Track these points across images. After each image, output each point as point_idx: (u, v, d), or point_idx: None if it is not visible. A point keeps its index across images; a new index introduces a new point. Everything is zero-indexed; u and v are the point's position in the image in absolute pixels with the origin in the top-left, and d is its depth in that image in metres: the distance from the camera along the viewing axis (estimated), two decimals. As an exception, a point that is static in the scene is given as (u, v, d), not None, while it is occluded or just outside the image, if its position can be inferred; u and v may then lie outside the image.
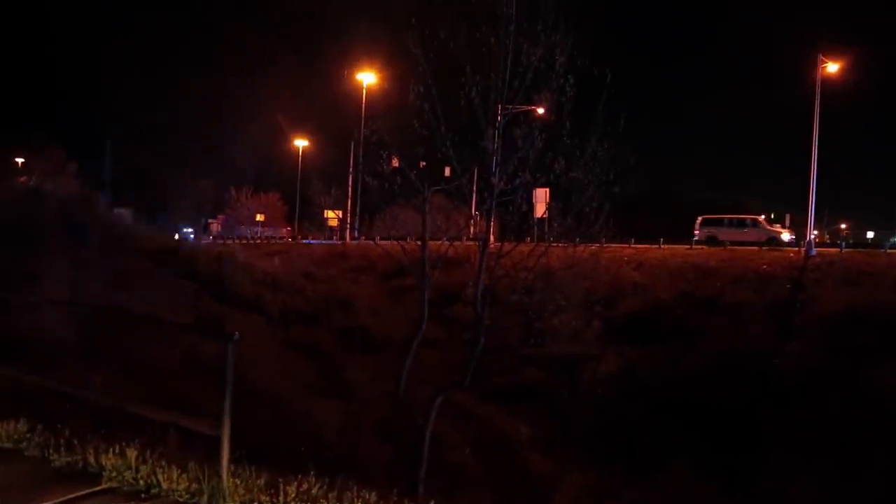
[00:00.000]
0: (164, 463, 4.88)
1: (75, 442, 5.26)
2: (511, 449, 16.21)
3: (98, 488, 4.66)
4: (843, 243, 35.55)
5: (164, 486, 4.60)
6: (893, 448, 11.02)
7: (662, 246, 32.83)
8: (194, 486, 4.60)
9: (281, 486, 4.71)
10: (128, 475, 4.76)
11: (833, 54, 32.72)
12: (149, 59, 37.93)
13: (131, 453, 4.95)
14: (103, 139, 40.88)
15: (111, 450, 5.03)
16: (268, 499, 4.58)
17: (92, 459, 4.99)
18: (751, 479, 11.32)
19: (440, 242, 11.32)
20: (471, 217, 12.23)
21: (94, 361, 12.07)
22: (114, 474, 4.77)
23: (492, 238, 11.54)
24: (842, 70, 32.78)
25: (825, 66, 32.18)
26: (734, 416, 15.77)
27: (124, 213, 43.74)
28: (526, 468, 15.05)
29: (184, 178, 42.66)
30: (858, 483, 10.57)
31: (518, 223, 10.94)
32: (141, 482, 4.70)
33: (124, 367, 12.23)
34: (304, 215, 56.97)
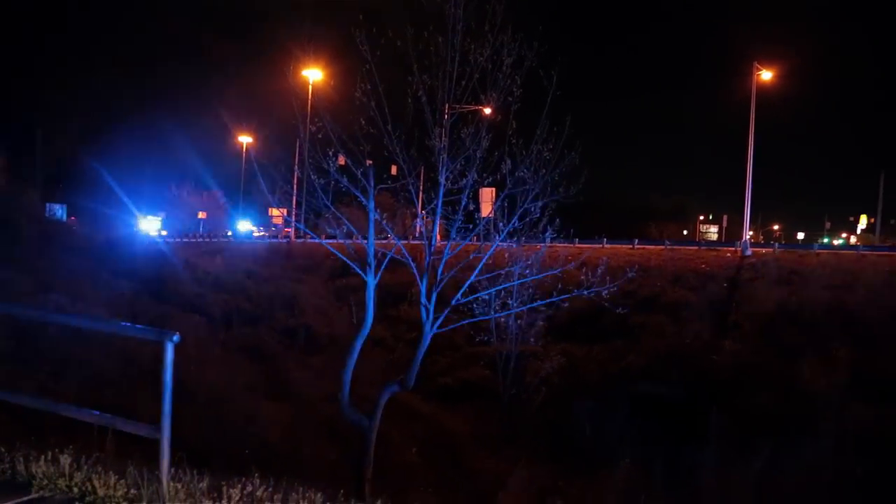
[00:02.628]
0: (100, 469, 4.71)
1: (2, 450, 5.01)
2: (457, 448, 16.28)
3: (27, 498, 4.44)
4: (777, 244, 36.98)
5: (101, 492, 4.43)
6: (820, 437, 11.54)
7: (605, 246, 33.53)
8: (133, 491, 4.44)
9: (224, 490, 4.61)
10: (60, 483, 4.56)
11: (769, 62, 34.09)
12: (85, 53, 36.55)
13: (65, 460, 4.74)
14: (35, 133, 39.13)
15: (42, 457, 4.80)
16: (210, 503, 4.47)
17: (21, 468, 4.75)
18: (691, 472, 11.65)
19: (386, 241, 11.27)
20: (417, 216, 12.22)
21: (24, 365, 11.57)
22: (45, 483, 4.55)
23: (438, 237, 11.56)
24: (776, 77, 34.17)
25: (760, 74, 33.46)
26: (675, 411, 16.23)
27: (58, 210, 42.07)
28: (472, 466, 15.14)
29: (121, 175, 41.28)
30: (790, 472, 11.01)
31: (464, 222, 10.98)
32: (75, 489, 4.51)
33: (57, 371, 11.77)
34: (247, 213, 56.01)
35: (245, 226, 55.80)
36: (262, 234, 53.54)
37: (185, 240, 45.47)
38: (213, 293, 25.32)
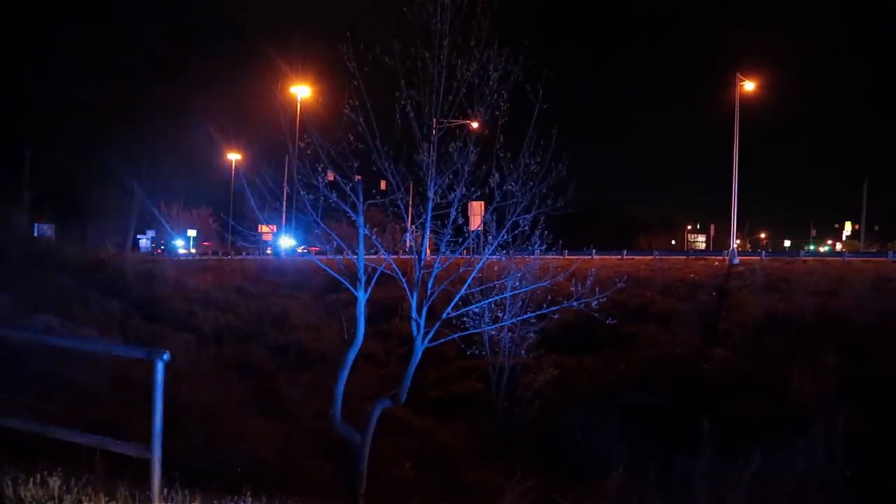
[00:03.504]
0: (90, 490, 4.69)
1: (-9, 472, 4.98)
2: (451, 461, 16.23)
3: (16, 522, 4.43)
4: (764, 252, 37.29)
5: (91, 514, 4.42)
6: (810, 442, 11.61)
7: (594, 257, 33.66)
8: (123, 512, 4.44)
9: (216, 509, 4.61)
10: (50, 505, 4.54)
11: (753, 71, 34.57)
12: (72, 72, 36.40)
13: (54, 483, 4.71)
14: (22, 152, 38.88)
15: (31, 479, 4.78)
16: (202, 522, 4.47)
17: (9, 491, 4.72)
18: (684, 480, 11.68)
19: (376, 257, 11.31)
20: (406, 231, 12.27)
21: (12, 386, 11.46)
22: (34, 505, 4.54)
23: (428, 251, 11.60)
24: (759, 87, 34.62)
25: (743, 84, 33.88)
26: (667, 420, 16.27)
27: (46, 230, 41.79)
28: (466, 479, 15.08)
29: (110, 193, 41.06)
30: (781, 477, 11.06)
31: (453, 236, 11.04)
32: (65, 512, 4.50)
33: (47, 392, 11.67)
34: (237, 230, 55.61)
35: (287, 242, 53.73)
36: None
37: (175, 257, 45.26)
38: (203, 310, 25.23)
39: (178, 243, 57.11)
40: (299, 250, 52.06)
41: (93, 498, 4.55)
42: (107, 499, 4.54)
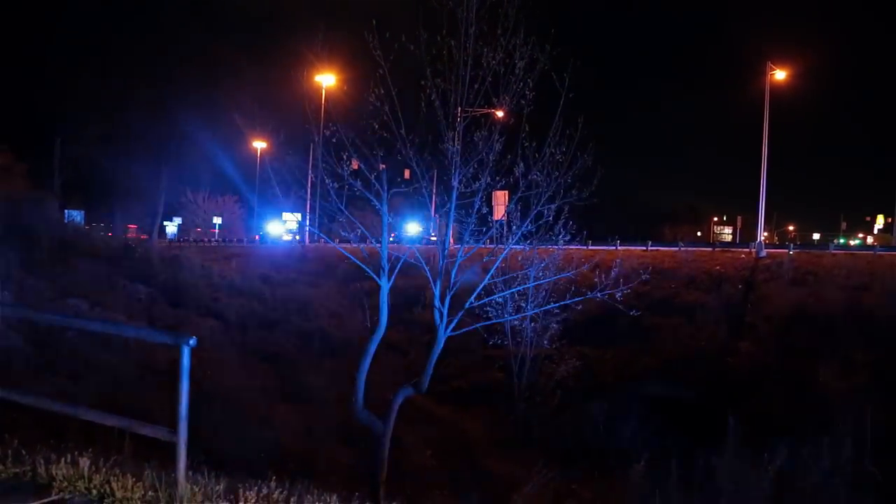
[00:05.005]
0: (118, 471, 4.77)
1: (24, 452, 5.09)
2: (472, 450, 16.28)
3: (47, 500, 4.51)
4: (792, 245, 36.68)
5: (119, 494, 4.49)
6: (838, 439, 11.43)
7: (618, 248, 33.40)
8: (150, 494, 4.51)
9: (240, 492, 4.66)
10: (80, 485, 4.63)
11: (783, 61, 33.88)
12: (100, 59, 36.88)
13: (84, 463, 4.81)
14: (53, 140, 39.55)
15: (62, 459, 4.88)
16: (226, 505, 4.52)
17: (42, 470, 4.83)
18: (707, 474, 11.58)
19: (401, 245, 11.32)
20: (430, 220, 12.25)
21: (44, 369, 11.73)
22: (65, 485, 4.62)
23: (451, 240, 11.58)
24: (790, 77, 33.94)
25: (773, 74, 33.24)
26: (690, 413, 16.15)
27: (76, 216, 42.56)
28: (487, 469, 15.13)
29: (138, 180, 41.64)
30: (808, 475, 10.92)
31: (477, 225, 11.00)
32: (94, 492, 4.58)
33: (77, 375, 11.91)
34: (262, 217, 56.13)
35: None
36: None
37: (200, 244, 45.70)
38: (228, 297, 25.53)
39: (276, 229, 53.85)
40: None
41: (121, 478, 4.63)
42: (134, 479, 4.62)
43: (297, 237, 48.01)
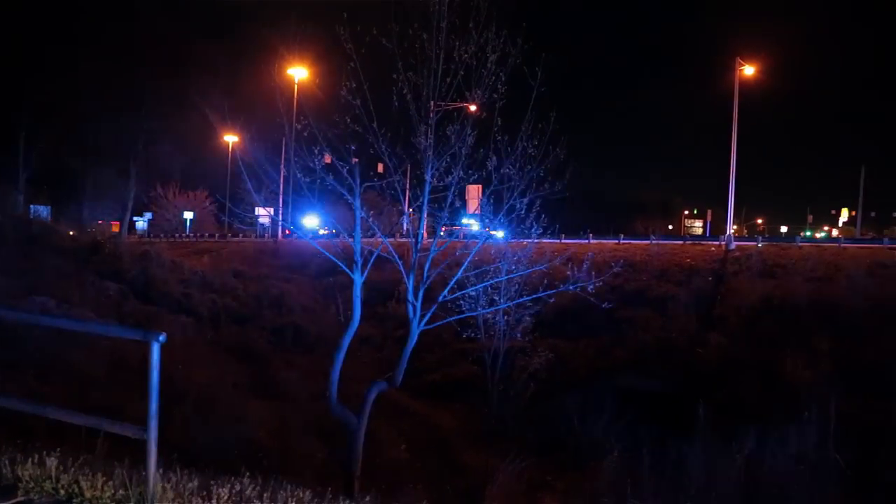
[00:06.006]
0: (87, 471, 4.71)
1: (-12, 453, 5.00)
2: (446, 443, 16.36)
3: (13, 501, 4.43)
4: (760, 237, 37.33)
5: (88, 494, 4.43)
6: (803, 427, 11.70)
7: (591, 242, 33.71)
8: (121, 492, 4.45)
9: (213, 489, 4.63)
10: (47, 485, 4.55)
11: (752, 56, 34.34)
12: (66, 52, 36.03)
13: (51, 462, 4.73)
14: (17, 134, 38.65)
15: (29, 460, 4.80)
16: (200, 502, 4.49)
17: (7, 471, 4.74)
18: (678, 463, 11.77)
19: (373, 239, 11.30)
20: (403, 214, 12.25)
21: (10, 368, 11.49)
22: (31, 485, 4.54)
23: (425, 234, 11.59)
24: (759, 72, 34.42)
25: (742, 69, 33.70)
26: (662, 404, 16.38)
27: (42, 211, 41.67)
28: (461, 462, 15.22)
29: (106, 175, 40.88)
30: (774, 461, 11.16)
31: (450, 219, 11.03)
32: (62, 492, 4.51)
33: (44, 374, 11.71)
34: (234, 213, 55.32)
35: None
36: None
37: (171, 239, 44.85)
38: (200, 293, 25.25)
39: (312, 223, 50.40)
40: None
41: (90, 478, 4.57)
42: (104, 479, 4.56)
43: (333, 231, 46.75)
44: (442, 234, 11.12)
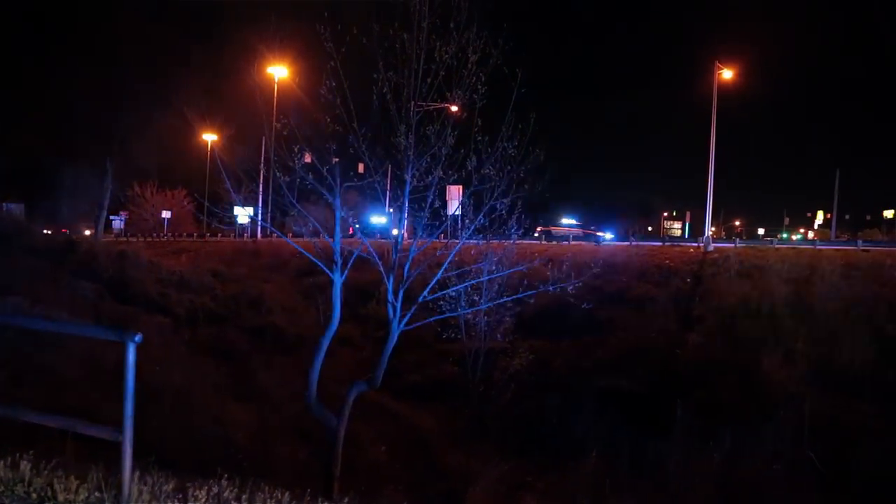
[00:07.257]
0: (61, 473, 4.63)
1: (-41, 456, 4.89)
2: (427, 445, 16.31)
3: (-18, 505, 4.36)
4: (738, 239, 37.75)
5: (61, 497, 4.36)
6: (779, 426, 11.88)
7: (571, 243, 33.88)
8: (95, 494, 4.39)
9: (190, 491, 4.58)
10: (19, 489, 4.47)
11: (730, 59, 34.73)
12: (41, 48, 35.38)
13: (25, 465, 4.65)
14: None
15: (1, 463, 4.71)
16: (176, 504, 4.44)
17: (-21, 473, 4.65)
18: (656, 463, 11.89)
19: (353, 239, 11.25)
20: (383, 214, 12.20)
21: (-19, 369, 11.26)
22: (2, 489, 4.46)
23: (405, 235, 11.57)
24: (738, 75, 34.81)
25: (721, 72, 34.07)
26: (641, 404, 16.49)
27: (14, 208, 40.97)
28: (442, 463, 15.18)
29: (82, 173, 40.23)
30: (750, 460, 11.31)
31: (430, 220, 11.01)
32: (34, 495, 4.43)
33: (18, 376, 11.49)
34: (212, 212, 54.79)
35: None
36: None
37: (148, 238, 44.29)
38: (178, 293, 24.98)
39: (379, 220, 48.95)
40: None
41: (64, 480, 4.50)
42: (78, 481, 4.49)
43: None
44: (422, 234, 11.10)
